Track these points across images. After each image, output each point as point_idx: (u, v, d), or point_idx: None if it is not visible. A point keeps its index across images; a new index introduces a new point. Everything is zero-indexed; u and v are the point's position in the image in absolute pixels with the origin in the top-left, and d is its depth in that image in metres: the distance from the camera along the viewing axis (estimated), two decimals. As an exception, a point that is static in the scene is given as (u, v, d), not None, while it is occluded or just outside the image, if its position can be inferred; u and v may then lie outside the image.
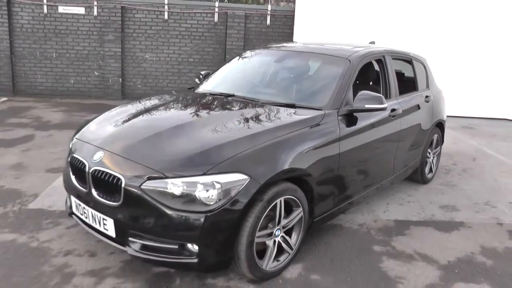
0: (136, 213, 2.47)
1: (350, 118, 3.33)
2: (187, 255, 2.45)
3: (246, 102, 3.39)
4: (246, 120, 2.97)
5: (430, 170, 4.95)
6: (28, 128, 6.39)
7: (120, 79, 8.53)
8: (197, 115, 3.14)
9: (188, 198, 2.39)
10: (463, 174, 5.32)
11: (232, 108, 3.25)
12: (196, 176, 2.40)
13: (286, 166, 2.67)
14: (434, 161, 5.01)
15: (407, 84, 4.50)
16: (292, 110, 3.21)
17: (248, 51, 4.48)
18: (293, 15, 9.25)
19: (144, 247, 2.51)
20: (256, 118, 3.02)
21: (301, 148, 2.83)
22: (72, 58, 8.37)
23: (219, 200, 2.39)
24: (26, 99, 8.34)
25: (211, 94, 3.72)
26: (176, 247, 2.46)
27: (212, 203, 2.39)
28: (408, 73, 4.73)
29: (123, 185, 2.47)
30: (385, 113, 3.71)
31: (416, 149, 4.46)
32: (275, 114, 3.13)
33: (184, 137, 2.73)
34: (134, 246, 2.52)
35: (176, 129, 2.82)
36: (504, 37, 8.86)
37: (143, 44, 8.61)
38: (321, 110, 3.22)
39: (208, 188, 2.39)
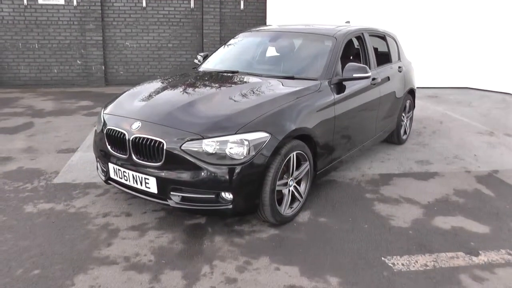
0: (177, 170, 2.93)
1: (340, 86, 3.87)
2: (223, 202, 2.94)
3: (252, 76, 3.87)
4: (259, 89, 3.47)
5: (405, 132, 5.60)
6: (24, 116, 6.59)
7: (103, 67, 8.74)
8: (215, 87, 3.61)
9: (223, 154, 2.87)
10: (432, 135, 6.02)
11: (242, 81, 3.73)
12: (228, 136, 2.89)
13: (298, 125, 3.20)
14: (408, 124, 5.66)
15: (383, 57, 5.08)
16: (294, 81, 3.72)
17: (241, 34, 4.89)
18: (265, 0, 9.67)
19: (183, 199, 2.98)
20: (267, 88, 3.52)
21: (307, 110, 3.36)
22: (55, 48, 8.49)
23: (248, 154, 2.88)
24: (12, 90, 8.42)
25: (218, 72, 4.17)
26: (213, 196, 2.94)
27: (242, 157, 2.88)
28: (382, 47, 5.32)
29: (165, 148, 2.91)
30: (367, 82, 4.28)
31: (393, 113, 5.07)
32: (282, 84, 3.63)
33: (210, 106, 3.21)
34: (175, 198, 2.98)
35: (200, 100, 3.29)
36: (461, 12, 9.63)
37: (123, 31, 8.82)
38: (316, 80, 3.75)
39: (239, 145, 2.87)
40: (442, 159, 5.04)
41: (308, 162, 3.40)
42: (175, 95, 3.51)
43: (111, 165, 3.27)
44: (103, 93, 8.33)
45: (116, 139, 3.21)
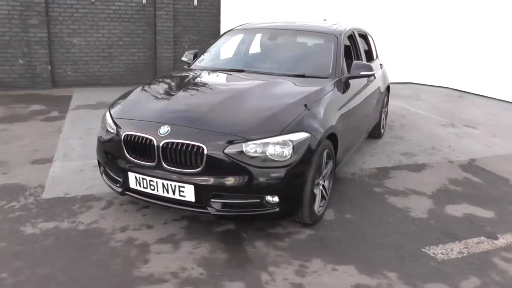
0: (219, 175, 2.75)
1: (346, 84, 3.92)
2: (269, 206, 2.83)
3: (263, 75, 3.76)
4: (282, 88, 3.38)
5: (382, 126, 5.84)
6: (-29, 124, 5.81)
7: (49, 67, 7.96)
8: (233, 87, 3.46)
9: (268, 156, 2.76)
10: (403, 128, 6.34)
11: (259, 80, 3.61)
12: (273, 137, 2.78)
13: (330, 124, 3.18)
14: (384, 119, 5.91)
15: (367, 55, 5.24)
16: (306, 80, 3.69)
17: (232, 31, 4.72)
18: (219, -5, 9.50)
19: (225, 206, 2.82)
20: (288, 87, 3.45)
21: (332, 108, 3.36)
22: (-10, 45, 7.57)
23: (293, 155, 2.80)
24: None
25: (223, 71, 4.00)
26: (258, 200, 2.81)
27: (287, 158, 2.79)
28: (364, 46, 5.48)
29: (205, 152, 2.72)
30: (365, 79, 4.38)
31: (377, 108, 5.26)
32: (299, 83, 3.58)
33: (241, 106, 3.06)
34: (216, 206, 2.81)
35: (228, 100, 3.12)
36: (402, 11, 10.25)
37: (70, 28, 8.11)
38: (327, 78, 3.76)
39: (284, 146, 2.78)
40: (423, 150, 5.33)
41: (332, 160, 3.39)
42: (195, 96, 3.31)
43: (131, 175, 2.99)
44: (53, 96, 7.63)
45: (139, 145, 2.94)
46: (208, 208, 2.81)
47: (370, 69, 3.91)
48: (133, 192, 3.08)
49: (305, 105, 3.10)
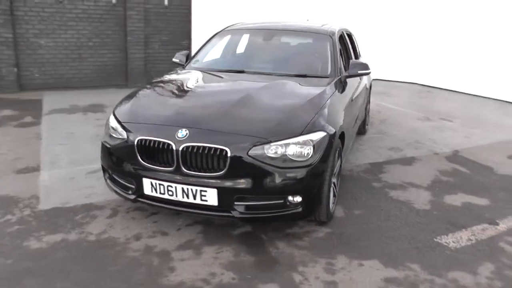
0: (243, 178, 2.73)
1: (345, 83, 3.99)
2: (291, 206, 2.83)
3: (266, 75, 3.76)
4: (292, 88, 3.40)
5: (366, 122, 5.98)
6: None
7: (15, 69, 7.52)
8: (242, 88, 3.44)
9: (290, 156, 2.76)
10: (383, 124, 6.53)
11: (263, 80, 3.60)
12: (295, 137, 2.78)
13: (341, 123, 3.22)
14: (367, 115, 6.07)
15: (354, 54, 5.35)
16: (308, 79, 3.72)
17: (222, 32, 4.65)
18: (190, -5, 9.37)
19: (248, 208, 2.80)
20: (298, 87, 3.47)
21: (340, 108, 3.42)
22: (-51, 48, 7.03)
23: (313, 155, 2.82)
24: None
25: (224, 71, 3.95)
26: (281, 201, 2.81)
27: (308, 158, 2.80)
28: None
29: (229, 155, 2.68)
30: (358, 77, 4.48)
31: (364, 105, 5.39)
32: (306, 83, 3.61)
33: (257, 107, 3.06)
34: (239, 209, 2.78)
35: (242, 102, 3.10)
36: (362, 9, 10.54)
37: (37, 28, 7.70)
38: (328, 77, 3.81)
39: (305, 146, 2.79)
40: (408, 144, 5.51)
41: (340, 158, 3.44)
42: (207, 98, 3.26)
43: (147, 181, 2.89)
44: (21, 100, 7.22)
45: (154, 150, 2.85)
46: (232, 211, 2.78)
47: (367, 67, 4.00)
48: (147, 198, 2.98)
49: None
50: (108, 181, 3.29)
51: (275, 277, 2.60)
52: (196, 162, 2.75)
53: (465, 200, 3.84)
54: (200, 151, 2.72)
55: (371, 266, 2.75)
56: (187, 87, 3.48)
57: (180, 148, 2.75)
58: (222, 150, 2.69)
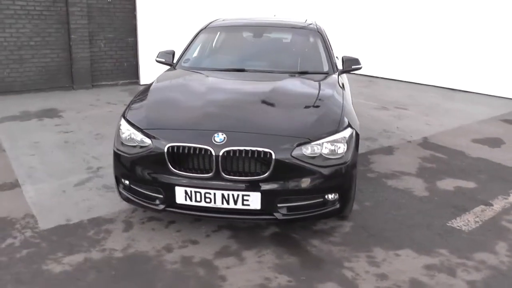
0: (286, 179, 2.71)
1: (343, 78, 4.11)
2: (330, 204, 2.87)
3: (269, 73, 3.75)
4: (308, 85, 3.46)
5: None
6: None
7: None
8: (256, 86, 3.43)
9: (330, 154, 2.80)
10: (350, 116, 6.79)
11: (271, 79, 3.61)
12: (331, 135, 2.82)
13: (356, 117, 3.32)
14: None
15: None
16: (312, 76, 3.78)
17: (205, 30, 4.51)
18: (133, -10, 8.95)
19: (289, 209, 2.79)
20: (311, 84, 3.52)
21: (350, 102, 3.52)
22: None
23: (346, 151, 2.88)
24: None
25: (225, 70, 3.87)
26: (321, 200, 2.84)
27: (343, 155, 2.85)
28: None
29: (273, 157, 2.64)
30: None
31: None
32: (315, 79, 3.66)
33: (285, 106, 3.08)
34: (282, 210, 2.76)
35: (268, 101, 3.09)
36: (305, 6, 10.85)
37: (-30, 27, 6.88)
38: (328, 74, 3.89)
39: (339, 143, 2.84)
40: (379, 134, 5.80)
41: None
42: (229, 99, 3.21)
43: (180, 189, 2.76)
44: (-41, 108, 6.44)
45: (189, 157, 2.73)
46: (275, 214, 2.75)
47: (359, 62, 4.15)
48: (178, 207, 2.84)
49: None
50: (124, 192, 3.08)
51: (328, 276, 2.63)
52: (237, 167, 2.69)
53: (455, 185, 4.15)
54: (243, 154, 2.66)
55: (407, 255, 2.89)
56: (199, 88, 3.35)
57: (221, 153, 2.66)
58: (266, 152, 2.65)
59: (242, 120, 2.87)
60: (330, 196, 2.86)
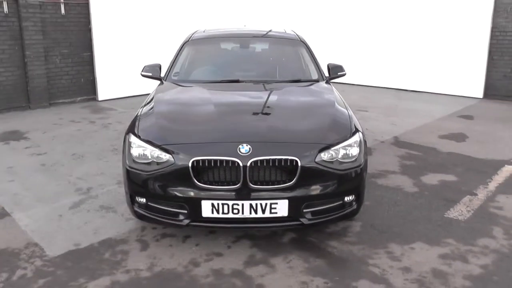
0: (311, 185, 2.81)
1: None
2: (347, 206, 3.00)
3: (264, 83, 3.88)
4: (311, 93, 3.62)
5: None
6: None
7: None
8: (261, 95, 3.55)
9: (347, 157, 2.94)
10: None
11: (269, 88, 3.72)
12: (346, 140, 2.97)
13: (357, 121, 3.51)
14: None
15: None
16: (304, 84, 3.94)
17: (190, 42, 4.50)
18: (87, 4, 8.68)
19: (313, 214, 2.89)
20: (315, 91, 3.69)
21: (349, 108, 3.68)
22: None
23: (359, 154, 3.03)
24: None
25: (219, 82, 3.92)
26: (340, 202, 2.96)
27: (357, 158, 3.00)
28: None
29: (299, 164, 2.73)
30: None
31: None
32: (309, 88, 3.80)
33: (297, 114, 3.21)
34: (307, 215, 2.86)
35: (278, 110, 3.25)
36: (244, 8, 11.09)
37: None
38: (318, 81, 4.06)
39: (353, 147, 2.99)
40: (355, 136, 6.07)
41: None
42: (241, 110, 3.31)
43: (206, 203, 2.76)
44: None
45: (213, 170, 2.74)
46: (301, 219, 2.84)
47: (343, 69, 4.36)
48: (204, 221, 2.84)
49: None
50: (139, 210, 3.01)
51: (358, 274, 2.75)
52: (263, 176, 2.74)
53: (438, 179, 4.46)
54: (270, 164, 2.72)
55: (420, 247, 3.09)
56: (206, 101, 3.37)
57: (248, 164, 2.70)
58: (292, 160, 2.74)
59: (262, 130, 2.94)
60: (348, 198, 3.00)
